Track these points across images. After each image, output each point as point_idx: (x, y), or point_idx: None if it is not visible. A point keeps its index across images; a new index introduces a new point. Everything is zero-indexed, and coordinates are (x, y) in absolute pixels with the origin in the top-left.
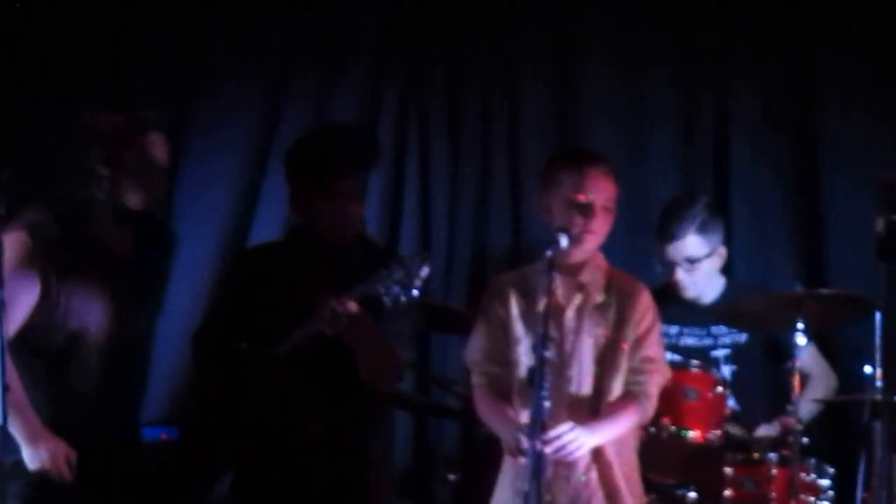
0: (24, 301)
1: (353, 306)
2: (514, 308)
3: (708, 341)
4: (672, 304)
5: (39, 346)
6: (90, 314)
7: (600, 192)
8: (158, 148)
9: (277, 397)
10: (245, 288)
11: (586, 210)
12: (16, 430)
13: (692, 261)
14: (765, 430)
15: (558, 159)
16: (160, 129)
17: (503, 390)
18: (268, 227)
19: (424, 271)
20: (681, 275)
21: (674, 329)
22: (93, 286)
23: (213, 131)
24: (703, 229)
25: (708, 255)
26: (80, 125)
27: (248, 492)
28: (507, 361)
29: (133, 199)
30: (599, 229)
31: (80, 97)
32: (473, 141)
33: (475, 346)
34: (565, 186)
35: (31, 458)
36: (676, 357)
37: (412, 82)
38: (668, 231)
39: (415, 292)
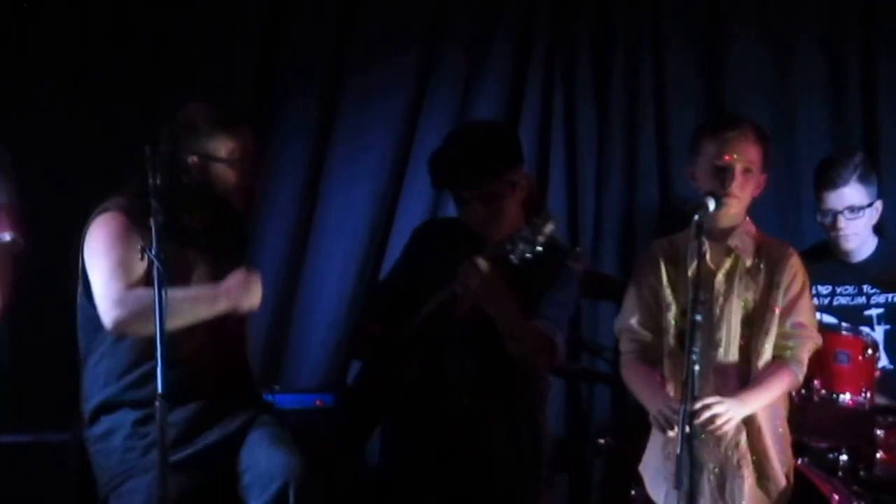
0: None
1: (483, 264)
2: (664, 275)
3: (860, 300)
4: (824, 263)
5: None
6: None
7: (740, 154)
8: (246, 139)
9: (425, 364)
10: (413, 255)
11: (726, 173)
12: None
13: (854, 209)
14: None
15: (702, 126)
16: (247, 122)
17: (653, 358)
18: (414, 209)
19: (549, 228)
20: (842, 223)
21: (826, 289)
22: (171, 260)
23: (361, 113)
24: (863, 178)
25: (869, 205)
26: (173, 115)
27: (396, 459)
28: (658, 329)
29: (218, 187)
30: (741, 192)
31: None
32: (620, 109)
33: (626, 314)
34: (707, 152)
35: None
36: (830, 319)
37: (557, 51)
38: (830, 179)
39: (539, 248)
